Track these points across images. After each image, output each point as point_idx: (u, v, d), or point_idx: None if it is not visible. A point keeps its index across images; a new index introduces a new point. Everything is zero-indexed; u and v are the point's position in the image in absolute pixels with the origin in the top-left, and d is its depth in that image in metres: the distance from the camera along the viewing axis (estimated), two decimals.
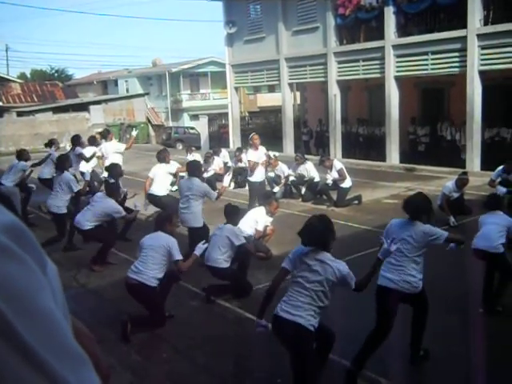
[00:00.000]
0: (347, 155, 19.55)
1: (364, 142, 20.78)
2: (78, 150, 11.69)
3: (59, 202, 8.87)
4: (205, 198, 8.27)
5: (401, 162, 17.63)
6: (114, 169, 9.86)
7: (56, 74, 58.07)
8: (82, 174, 10.96)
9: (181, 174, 10.92)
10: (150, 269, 5.71)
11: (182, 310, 6.37)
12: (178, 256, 5.88)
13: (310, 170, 12.13)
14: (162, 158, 10.24)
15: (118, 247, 8.62)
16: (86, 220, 7.96)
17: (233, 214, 7.07)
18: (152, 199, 9.84)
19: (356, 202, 11.92)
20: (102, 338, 5.27)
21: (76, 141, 11.84)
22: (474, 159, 15.46)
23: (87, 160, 11.87)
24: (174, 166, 10.45)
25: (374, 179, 13.39)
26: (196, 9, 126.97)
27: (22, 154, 11.16)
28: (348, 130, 21.02)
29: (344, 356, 4.94)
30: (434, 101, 19.64)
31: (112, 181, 9.54)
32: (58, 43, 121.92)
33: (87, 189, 9.96)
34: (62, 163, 9.13)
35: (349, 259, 7.27)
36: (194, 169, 8.41)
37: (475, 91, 15.20)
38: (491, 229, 5.99)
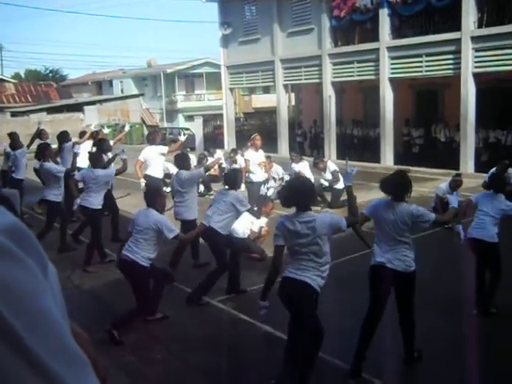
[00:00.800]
0: (342, 156, 19.56)
1: (358, 144, 20.82)
2: (69, 145, 10.86)
3: (55, 191, 8.83)
4: (196, 186, 8.20)
5: (395, 163, 17.67)
6: (102, 144, 9.55)
7: (50, 75, 57.92)
8: (80, 169, 10.65)
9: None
10: (142, 249, 5.71)
11: (176, 311, 6.36)
12: (172, 233, 5.77)
13: (305, 170, 12.13)
14: (152, 139, 10.23)
15: (111, 248, 8.59)
16: (92, 198, 7.99)
17: (233, 179, 6.97)
18: (151, 180, 9.78)
19: None
20: (96, 339, 5.25)
21: (64, 138, 10.98)
22: (467, 161, 15.53)
23: (83, 141, 11.37)
24: (164, 147, 10.41)
25: (369, 181, 13.37)
26: (191, 10, 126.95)
27: (17, 140, 10.76)
28: (343, 131, 21.07)
29: (336, 355, 4.95)
30: (428, 102, 19.70)
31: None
32: (53, 43, 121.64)
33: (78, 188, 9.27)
34: (41, 152, 8.90)
35: (343, 260, 7.31)
36: (181, 161, 8.03)
37: (469, 93, 15.27)
38: (485, 219, 5.96)
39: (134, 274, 5.74)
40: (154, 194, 6.02)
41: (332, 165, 12.11)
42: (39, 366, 0.53)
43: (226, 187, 6.87)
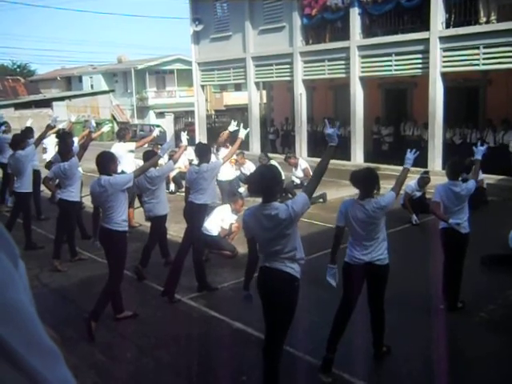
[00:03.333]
0: (312, 154, 19.71)
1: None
2: (31, 141, 9.95)
3: (18, 183, 8.75)
4: (165, 181, 8.00)
5: (365, 161, 17.87)
6: (68, 136, 9.15)
7: (18, 70, 56.84)
8: (50, 165, 10.29)
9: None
10: (114, 216, 5.79)
11: (147, 309, 6.33)
12: (129, 181, 5.87)
13: None
14: (122, 135, 10.09)
15: (80, 245, 8.51)
16: (70, 191, 7.87)
17: (205, 151, 7.00)
18: None
19: (321, 200, 12.03)
20: (65, 338, 5.19)
21: (29, 134, 10.36)
22: (435, 159, 15.79)
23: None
24: (132, 143, 10.27)
25: (339, 178, 13.53)
26: (163, 5, 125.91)
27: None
28: (313, 129, 21.20)
29: (308, 352, 5.00)
30: (397, 101, 19.97)
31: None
32: (21, 38, 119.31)
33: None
34: (17, 143, 8.86)
35: (314, 257, 7.37)
36: (148, 158, 7.50)
37: (437, 92, 15.53)
38: (455, 211, 6.01)
39: (112, 242, 5.82)
40: (108, 161, 5.91)
41: (303, 162, 12.20)
42: (12, 357, 0.53)
43: (197, 163, 6.97)
